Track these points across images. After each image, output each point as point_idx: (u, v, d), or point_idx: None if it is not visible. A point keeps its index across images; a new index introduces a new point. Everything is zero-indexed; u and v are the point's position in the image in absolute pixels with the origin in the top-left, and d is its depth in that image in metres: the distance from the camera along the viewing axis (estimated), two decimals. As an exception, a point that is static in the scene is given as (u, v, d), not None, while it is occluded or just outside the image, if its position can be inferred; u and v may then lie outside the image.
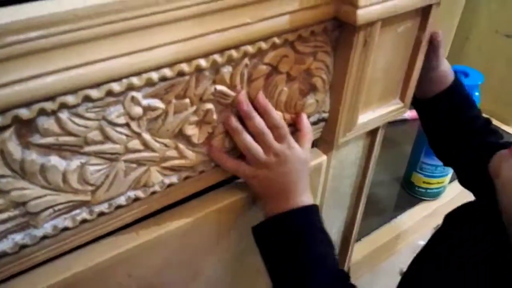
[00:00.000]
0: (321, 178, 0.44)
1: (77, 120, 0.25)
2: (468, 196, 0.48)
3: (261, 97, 0.33)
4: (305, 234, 0.35)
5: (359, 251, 0.69)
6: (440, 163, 0.70)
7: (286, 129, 0.34)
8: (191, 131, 0.31)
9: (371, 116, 0.42)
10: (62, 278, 0.30)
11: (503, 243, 0.35)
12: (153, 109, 0.28)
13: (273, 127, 0.34)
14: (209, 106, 0.31)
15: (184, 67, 0.28)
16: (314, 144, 0.43)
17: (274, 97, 0.34)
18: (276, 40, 0.31)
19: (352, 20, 0.32)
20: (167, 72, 0.27)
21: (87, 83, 0.24)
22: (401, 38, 0.39)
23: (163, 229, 0.34)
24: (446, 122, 0.47)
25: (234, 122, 0.33)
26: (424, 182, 0.74)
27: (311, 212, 0.36)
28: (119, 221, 0.32)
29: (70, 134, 0.25)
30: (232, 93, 0.31)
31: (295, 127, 0.37)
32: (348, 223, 0.58)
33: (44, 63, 0.23)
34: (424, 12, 0.38)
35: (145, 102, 0.27)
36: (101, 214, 0.30)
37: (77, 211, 0.29)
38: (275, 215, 0.35)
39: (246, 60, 0.31)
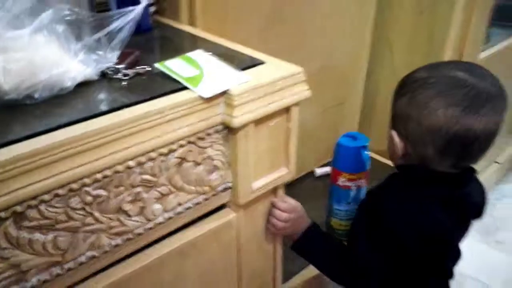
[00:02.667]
0: (233, 232, 0.60)
1: (50, 209, 0.41)
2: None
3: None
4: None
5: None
6: (348, 207, 0.87)
7: None
8: (128, 207, 0.47)
9: (264, 181, 0.59)
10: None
11: None
12: (99, 196, 0.44)
13: None
14: (139, 189, 0.47)
15: (119, 167, 0.44)
16: (226, 205, 0.59)
17: (186, 177, 0.51)
18: (182, 142, 0.48)
19: (231, 125, 0.50)
20: (107, 172, 0.43)
21: (56, 185, 0.40)
22: (275, 129, 0.56)
23: (112, 278, 0.49)
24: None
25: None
26: (341, 225, 0.91)
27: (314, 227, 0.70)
28: (82, 273, 0.46)
29: (46, 218, 0.41)
30: (154, 179, 0.48)
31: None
32: (272, 266, 0.73)
33: (31, 177, 0.38)
34: (288, 110, 0.57)
35: (93, 192, 0.43)
36: (69, 269, 0.45)
37: (53, 268, 0.44)
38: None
39: (161, 157, 0.47)
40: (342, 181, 0.85)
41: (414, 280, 0.67)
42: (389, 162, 0.72)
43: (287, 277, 0.83)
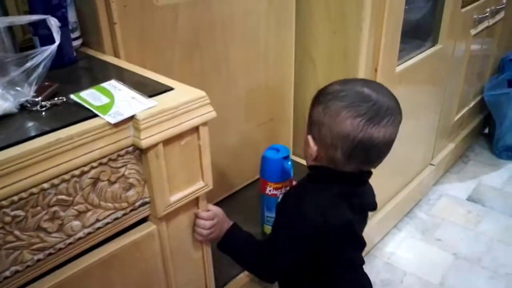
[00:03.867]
0: (156, 243, 0.66)
1: (-31, 230, 0.46)
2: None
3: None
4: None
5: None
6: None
7: None
8: (46, 225, 0.52)
9: (181, 195, 0.65)
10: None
11: None
12: (18, 216, 0.49)
13: None
14: (56, 208, 0.52)
15: (34, 190, 0.50)
16: (147, 219, 0.65)
17: (102, 195, 0.57)
18: (93, 164, 0.54)
19: (140, 146, 0.56)
20: (23, 194, 0.49)
21: (-27, 209, 0.45)
22: (186, 147, 0.63)
23: (38, 289, 0.54)
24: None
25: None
26: (272, 231, 0.98)
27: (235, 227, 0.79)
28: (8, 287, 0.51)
29: (-34, 238, 0.46)
30: (70, 198, 0.53)
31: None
32: (203, 274, 0.79)
33: None
34: (197, 129, 0.64)
35: (11, 213, 0.49)
36: (-7, 284, 0.50)
37: (-24, 284, 0.49)
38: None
39: (75, 179, 0.53)
40: (269, 190, 0.92)
41: (318, 272, 0.75)
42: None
43: (222, 283, 0.89)
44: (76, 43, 0.78)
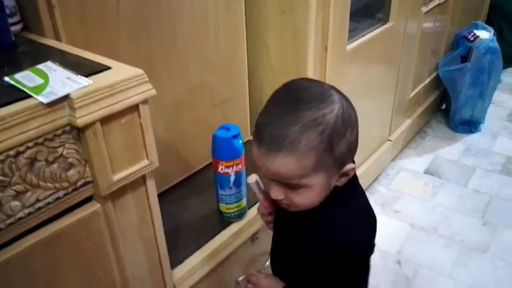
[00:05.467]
0: (102, 222, 0.67)
1: None
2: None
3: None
4: None
5: (187, 272, 0.91)
6: (230, 192, 0.97)
7: None
8: (-18, 205, 0.53)
9: (125, 173, 0.66)
10: None
11: None
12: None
13: None
14: (-9, 189, 0.53)
15: (-34, 171, 0.50)
16: (92, 198, 0.66)
17: (40, 175, 0.57)
18: (29, 144, 0.55)
19: (76, 125, 0.57)
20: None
21: None
22: (127, 125, 0.64)
23: None
24: None
25: None
26: (228, 208, 1.00)
27: None
28: None
29: None
30: (6, 179, 0.54)
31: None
32: (156, 253, 0.81)
33: None
34: (137, 108, 0.65)
35: None
36: None
37: None
38: None
39: (10, 159, 0.54)
40: (221, 168, 0.94)
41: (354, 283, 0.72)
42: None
43: (177, 262, 0.91)
44: (15, 28, 0.77)
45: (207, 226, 1.00)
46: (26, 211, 0.57)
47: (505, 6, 2.46)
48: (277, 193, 0.64)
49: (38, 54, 0.72)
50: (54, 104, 0.56)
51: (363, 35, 1.35)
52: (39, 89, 0.56)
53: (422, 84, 1.94)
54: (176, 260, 0.90)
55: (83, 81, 0.59)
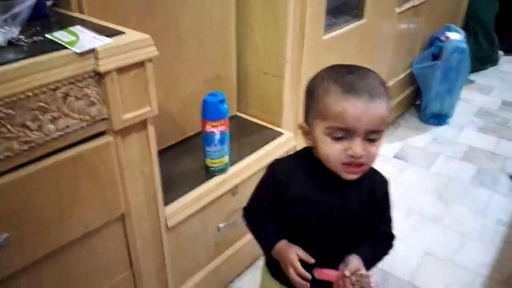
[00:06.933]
0: (113, 152, 0.86)
1: (-24, 118, 0.66)
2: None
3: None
4: None
5: (177, 209, 1.11)
6: (215, 148, 1.17)
7: None
8: (29, 124, 0.72)
9: (132, 115, 0.86)
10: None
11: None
12: (9, 114, 0.69)
13: None
14: (37, 112, 0.73)
15: (21, 96, 0.70)
16: (105, 132, 0.86)
17: (70, 108, 0.77)
18: (64, 82, 0.74)
19: (98, 71, 0.77)
20: (14, 98, 0.69)
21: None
22: (135, 77, 0.84)
23: (23, 173, 0.74)
24: None
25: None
26: (213, 163, 1.20)
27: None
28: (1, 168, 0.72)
29: (-26, 125, 0.66)
30: (47, 106, 0.74)
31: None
32: (152, 186, 1.00)
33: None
34: (143, 64, 0.85)
35: (5, 111, 0.69)
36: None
37: (-20, 161, 0.69)
38: None
39: (51, 92, 0.73)
40: (208, 128, 1.14)
41: None
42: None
43: (169, 201, 1.11)
44: (48, 3, 0.97)
45: (195, 177, 1.20)
46: (58, 133, 0.77)
47: (480, 13, 2.68)
48: (361, 149, 0.71)
49: (67, 22, 0.92)
50: (83, 54, 0.76)
51: (339, 29, 1.56)
52: (72, 43, 0.76)
53: (396, 79, 2.14)
54: (168, 200, 1.10)
55: (105, 39, 0.79)
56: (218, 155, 1.18)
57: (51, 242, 0.82)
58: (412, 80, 2.29)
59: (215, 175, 1.21)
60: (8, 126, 0.70)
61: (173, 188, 1.15)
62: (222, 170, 1.22)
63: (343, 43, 1.59)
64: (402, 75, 2.19)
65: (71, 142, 0.80)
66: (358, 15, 1.66)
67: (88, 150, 0.83)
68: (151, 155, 0.96)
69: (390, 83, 2.09)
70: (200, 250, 1.23)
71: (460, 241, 1.57)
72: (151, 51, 0.84)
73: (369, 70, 0.75)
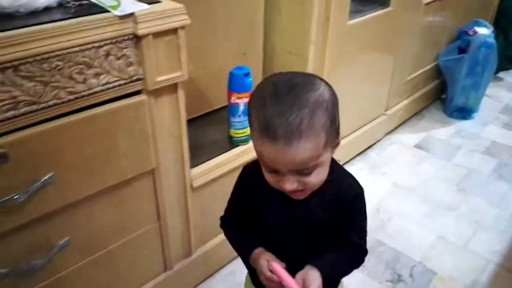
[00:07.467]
0: (146, 109, 0.95)
1: (31, 67, 0.76)
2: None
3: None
4: None
5: (201, 172, 1.20)
6: (239, 119, 1.25)
7: None
8: (76, 76, 0.82)
9: (165, 77, 0.95)
10: (27, 134, 0.79)
11: None
12: (59, 65, 0.79)
13: None
14: (82, 66, 0.82)
15: (69, 50, 0.79)
16: (141, 92, 0.95)
17: (111, 66, 0.86)
18: (106, 41, 0.84)
19: (136, 34, 0.86)
20: (63, 52, 0.78)
21: (34, 54, 0.75)
22: (168, 43, 0.93)
23: (68, 120, 0.84)
24: None
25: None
26: (236, 133, 1.28)
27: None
28: (49, 113, 0.81)
29: (29, 72, 0.76)
30: (91, 61, 0.83)
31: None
32: (180, 147, 1.09)
33: (21, 47, 0.73)
34: (176, 31, 0.93)
35: (55, 62, 0.78)
36: (43, 108, 0.80)
37: (33, 105, 0.78)
38: None
39: (94, 49, 0.83)
40: (233, 99, 1.22)
41: None
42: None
43: (194, 165, 1.20)
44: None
45: (219, 145, 1.29)
46: (100, 88, 0.87)
47: (510, 10, 2.66)
48: (292, 184, 0.65)
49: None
50: (124, 17, 0.85)
51: (364, 15, 1.61)
52: (114, 7, 0.86)
53: (421, 70, 2.17)
54: (193, 163, 1.18)
55: (143, 5, 0.88)
56: (241, 126, 1.26)
57: (90, 186, 0.92)
58: (438, 73, 2.31)
59: (238, 145, 1.29)
60: (58, 77, 0.80)
61: (198, 153, 1.23)
62: (245, 141, 1.29)
63: (368, 30, 1.64)
64: (427, 67, 2.21)
65: (110, 97, 0.89)
66: (385, 3, 1.71)
67: (124, 106, 0.92)
68: (180, 117, 1.04)
69: (414, 74, 2.13)
70: (221, 213, 1.30)
71: (474, 229, 1.60)
72: (184, 20, 0.93)
73: (309, 89, 0.63)
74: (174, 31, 0.93)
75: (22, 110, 0.77)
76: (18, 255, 0.86)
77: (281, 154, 0.61)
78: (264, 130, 0.61)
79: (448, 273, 1.42)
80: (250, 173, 0.79)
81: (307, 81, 0.65)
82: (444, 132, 2.20)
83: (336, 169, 0.74)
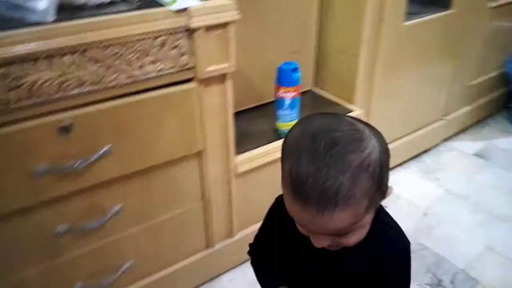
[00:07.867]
0: (196, 96, 1.05)
1: (98, 53, 0.88)
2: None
3: None
4: None
5: (246, 159, 1.28)
6: (286, 112, 1.31)
7: None
8: (133, 62, 0.93)
9: (214, 68, 1.04)
10: (91, 110, 0.91)
11: None
12: (119, 52, 0.90)
13: None
14: (139, 54, 0.93)
15: (128, 39, 0.90)
16: (192, 79, 1.04)
17: (166, 55, 0.96)
18: (162, 33, 0.94)
19: (190, 27, 0.96)
20: (122, 40, 0.90)
21: (102, 39, 0.87)
22: (219, 36, 1.01)
23: (126, 101, 0.95)
24: None
25: None
26: (281, 126, 1.34)
27: None
28: (107, 94, 0.93)
29: (92, 56, 0.88)
30: (148, 50, 0.94)
31: None
32: (226, 135, 1.18)
33: (88, 34, 0.86)
34: (226, 25, 1.01)
35: (116, 49, 0.90)
36: (104, 88, 0.92)
37: (95, 86, 0.91)
38: None
39: (151, 39, 0.93)
40: (280, 93, 1.29)
41: None
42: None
43: (240, 152, 1.27)
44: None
45: (265, 136, 1.36)
46: (155, 74, 0.97)
47: None
48: (323, 242, 0.58)
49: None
50: (179, 12, 0.95)
51: (422, 17, 1.60)
52: (171, 3, 0.96)
53: (486, 77, 2.09)
54: (239, 150, 1.26)
55: (196, 1, 0.97)
56: (288, 119, 1.32)
57: (142, 161, 1.03)
58: (505, 80, 2.20)
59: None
60: (118, 62, 0.91)
61: (245, 142, 1.31)
62: (290, 134, 1.35)
63: (426, 32, 1.63)
64: (492, 74, 2.13)
65: (163, 83, 1.00)
66: (446, 5, 1.68)
67: (176, 92, 1.02)
68: (227, 106, 1.13)
69: (477, 80, 2.05)
70: (263, 201, 1.37)
71: (528, 243, 1.54)
72: (234, 15, 1.01)
73: (353, 149, 0.53)
74: (224, 25, 1.01)
75: (86, 89, 0.90)
76: (77, 216, 0.99)
77: (312, 219, 0.54)
78: (296, 188, 0.54)
79: (492, 283, 1.38)
80: (281, 210, 0.65)
81: (352, 135, 0.54)
82: (507, 142, 2.10)
83: (381, 220, 0.65)
